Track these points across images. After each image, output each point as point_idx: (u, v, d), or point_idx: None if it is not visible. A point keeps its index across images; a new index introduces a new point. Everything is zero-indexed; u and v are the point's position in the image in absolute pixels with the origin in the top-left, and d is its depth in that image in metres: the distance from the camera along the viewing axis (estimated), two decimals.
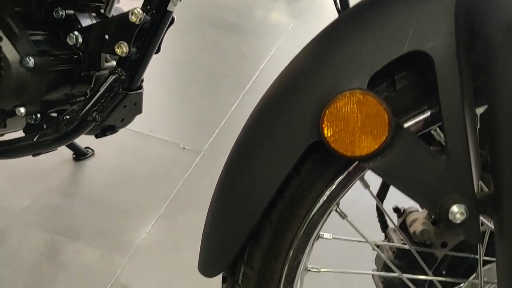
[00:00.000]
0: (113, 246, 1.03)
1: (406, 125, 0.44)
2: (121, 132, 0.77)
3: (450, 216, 0.39)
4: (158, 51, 0.63)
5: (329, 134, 0.41)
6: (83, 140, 1.22)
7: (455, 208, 0.39)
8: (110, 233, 1.06)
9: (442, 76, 0.39)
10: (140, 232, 1.09)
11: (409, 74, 0.43)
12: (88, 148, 1.31)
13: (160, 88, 1.73)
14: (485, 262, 0.58)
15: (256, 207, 0.46)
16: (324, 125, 0.41)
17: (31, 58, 0.55)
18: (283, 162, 0.44)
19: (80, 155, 1.27)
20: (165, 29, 0.60)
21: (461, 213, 0.39)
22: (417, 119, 0.44)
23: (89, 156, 1.30)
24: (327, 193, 0.47)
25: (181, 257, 1.04)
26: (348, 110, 0.41)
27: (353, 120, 0.41)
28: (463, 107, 0.39)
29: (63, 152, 1.23)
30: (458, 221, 0.39)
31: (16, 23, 0.55)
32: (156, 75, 1.72)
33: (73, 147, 1.24)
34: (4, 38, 0.53)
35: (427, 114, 0.44)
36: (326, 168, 0.46)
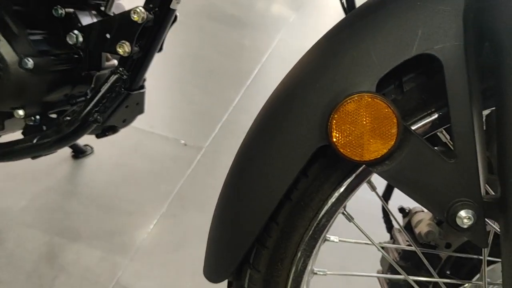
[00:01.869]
0: (114, 246, 1.02)
1: (413, 127, 0.43)
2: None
3: (458, 221, 0.39)
4: (160, 49, 0.62)
5: (337, 138, 0.40)
6: (82, 138, 1.21)
7: (462, 213, 0.39)
8: (111, 233, 1.05)
9: (451, 78, 0.39)
10: (142, 232, 1.08)
11: (416, 76, 0.43)
12: (87, 145, 1.30)
13: (160, 83, 1.72)
14: (489, 263, 0.58)
15: (264, 210, 0.45)
16: (332, 129, 0.40)
17: (30, 59, 0.53)
18: (291, 165, 0.43)
19: (79, 153, 1.27)
20: (168, 27, 0.59)
21: (469, 218, 0.39)
22: (424, 121, 0.44)
23: (89, 154, 1.29)
24: (335, 196, 0.47)
25: (183, 256, 1.04)
26: (356, 114, 0.40)
27: (362, 124, 0.40)
28: (472, 109, 0.39)
29: (62, 150, 1.21)
30: (466, 226, 0.39)
31: (14, 23, 0.54)
32: (155, 70, 1.70)
33: (72, 145, 1.23)
34: (2, 38, 0.52)
35: (435, 116, 0.44)
36: (333, 171, 0.46)
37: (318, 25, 2.84)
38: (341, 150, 0.40)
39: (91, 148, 1.30)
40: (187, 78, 1.84)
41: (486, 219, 0.40)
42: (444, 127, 0.44)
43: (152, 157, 1.34)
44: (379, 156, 0.40)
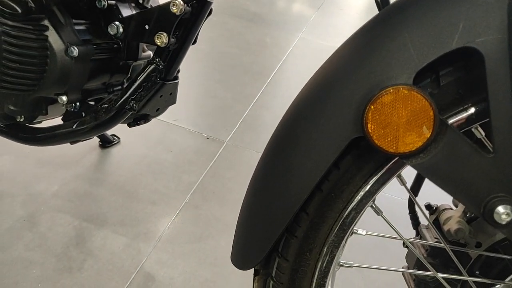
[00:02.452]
0: (138, 234, 1.05)
1: (449, 121, 0.43)
2: None
3: (496, 217, 0.38)
4: (195, 42, 0.63)
5: (372, 130, 0.41)
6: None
7: (501, 209, 0.38)
8: (135, 221, 1.08)
9: (492, 72, 0.38)
10: (165, 221, 1.10)
11: (454, 70, 0.43)
12: (114, 136, 1.34)
13: (184, 78, 1.73)
14: None
15: (295, 200, 0.46)
16: (368, 121, 0.40)
17: (75, 47, 0.56)
18: (324, 156, 0.44)
19: (106, 142, 1.30)
20: (204, 20, 0.60)
21: (507, 214, 0.39)
22: (460, 116, 0.44)
23: (115, 144, 1.32)
24: (365, 188, 0.47)
25: (204, 247, 1.06)
26: (393, 106, 0.40)
27: (398, 116, 0.40)
28: None
29: (90, 139, 1.25)
30: (504, 222, 0.39)
31: (61, 12, 0.56)
32: (181, 65, 1.73)
33: (100, 135, 1.26)
34: (50, 27, 0.54)
35: (471, 111, 0.43)
36: (365, 164, 0.46)
37: (339, 24, 2.82)
38: (376, 142, 0.41)
39: (118, 138, 1.33)
40: (211, 73, 1.86)
41: None
42: (479, 123, 0.44)
43: (176, 149, 1.37)
44: (414, 149, 0.40)
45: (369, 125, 0.41)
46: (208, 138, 1.45)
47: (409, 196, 0.69)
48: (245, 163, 1.36)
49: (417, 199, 0.75)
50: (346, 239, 0.52)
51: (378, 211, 0.53)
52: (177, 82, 0.65)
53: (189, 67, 1.86)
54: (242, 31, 2.30)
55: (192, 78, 1.81)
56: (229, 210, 1.18)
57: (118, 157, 1.28)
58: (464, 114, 0.43)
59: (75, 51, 0.56)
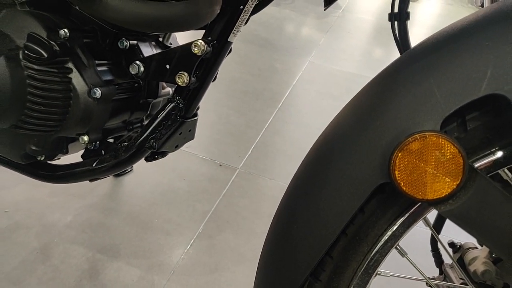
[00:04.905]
0: (152, 265, 1.04)
1: (476, 165, 0.43)
2: None
3: None
4: (214, 79, 0.64)
5: (400, 177, 0.40)
6: None
7: None
8: (149, 252, 1.07)
9: None
10: (179, 252, 1.09)
11: (481, 114, 0.42)
12: None
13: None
14: None
15: (321, 245, 0.45)
16: (395, 168, 0.40)
17: (98, 89, 0.56)
18: (350, 201, 0.43)
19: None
20: (224, 59, 0.61)
21: None
22: (487, 160, 0.43)
23: (128, 172, 1.33)
24: (390, 232, 0.47)
25: (220, 278, 1.04)
26: (421, 152, 0.40)
27: (426, 163, 0.40)
28: None
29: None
30: None
31: (84, 54, 0.57)
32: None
33: None
34: (74, 69, 0.55)
35: (499, 154, 0.43)
36: (390, 207, 0.46)
37: (348, 47, 2.84)
38: (404, 188, 0.40)
39: (131, 166, 1.34)
40: (223, 100, 1.87)
41: None
42: (507, 166, 0.43)
43: (189, 177, 1.36)
44: (442, 195, 0.40)
45: (396, 172, 0.40)
46: (221, 165, 1.45)
47: (432, 234, 0.67)
48: (258, 191, 1.36)
49: (441, 233, 0.74)
50: (371, 281, 0.51)
51: (402, 253, 0.52)
52: (196, 119, 0.65)
53: None
54: (253, 57, 2.33)
55: (204, 104, 1.82)
56: (243, 240, 1.16)
57: (132, 186, 1.28)
58: (492, 158, 0.43)
59: (98, 92, 0.56)
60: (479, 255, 0.58)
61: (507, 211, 0.39)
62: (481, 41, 0.40)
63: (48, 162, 0.66)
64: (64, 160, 0.70)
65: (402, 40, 0.65)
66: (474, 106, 0.42)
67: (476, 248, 0.61)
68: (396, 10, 0.66)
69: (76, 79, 0.55)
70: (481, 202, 0.40)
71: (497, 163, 0.43)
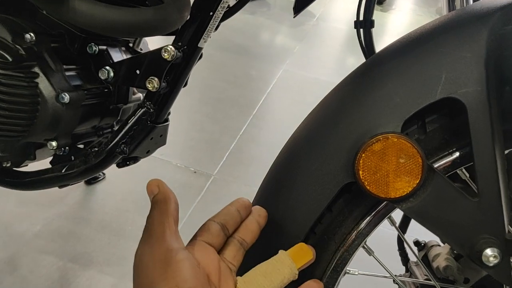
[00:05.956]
0: (126, 273, 1.02)
1: (435, 165, 0.45)
2: None
3: (484, 259, 0.39)
4: (185, 84, 0.65)
5: (364, 177, 0.42)
6: None
7: (488, 252, 0.40)
8: (123, 260, 1.05)
9: (474, 121, 0.41)
10: None
11: (439, 117, 0.45)
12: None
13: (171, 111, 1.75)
14: None
15: (291, 243, 0.46)
16: (359, 168, 0.42)
17: (66, 94, 0.56)
18: (317, 201, 0.45)
19: (92, 179, 1.28)
20: (195, 64, 0.61)
21: (494, 256, 0.40)
22: (445, 160, 0.45)
23: (100, 180, 1.30)
24: (357, 230, 0.48)
25: None
26: (383, 153, 0.42)
27: (388, 163, 0.42)
28: (494, 150, 0.41)
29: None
30: (491, 264, 0.40)
31: (52, 59, 0.56)
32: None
33: None
34: (41, 74, 0.55)
35: (456, 155, 0.45)
36: (357, 206, 0.47)
37: (322, 55, 2.90)
38: (368, 188, 0.42)
39: (103, 174, 1.32)
40: (196, 106, 1.87)
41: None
42: (464, 166, 0.46)
43: None
44: (404, 194, 0.42)
45: (360, 172, 0.42)
46: (195, 172, 1.45)
47: (398, 234, 0.70)
48: (233, 197, 1.34)
49: (406, 233, 0.76)
50: (340, 280, 0.52)
51: (369, 252, 0.54)
52: (168, 124, 0.65)
53: (176, 100, 1.87)
54: (228, 64, 2.34)
55: (178, 111, 1.82)
56: None
57: (104, 194, 1.26)
58: (450, 158, 0.45)
59: (66, 97, 0.56)
60: (441, 252, 0.60)
61: (461, 207, 0.41)
62: (436, 47, 0.43)
63: (14, 168, 0.64)
64: (32, 166, 0.69)
65: (367, 46, 0.68)
66: (433, 109, 0.44)
67: (439, 245, 0.64)
68: (361, 18, 0.69)
69: (43, 83, 0.54)
70: (438, 199, 0.42)
71: (455, 163, 0.45)
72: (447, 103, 0.43)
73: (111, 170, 1.32)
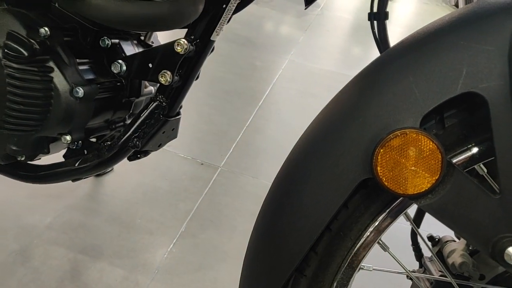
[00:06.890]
0: (136, 265, 1.03)
1: (453, 161, 0.44)
2: None
3: (506, 257, 0.39)
4: (197, 78, 0.64)
5: (382, 173, 0.41)
6: None
7: (511, 250, 0.39)
8: (133, 252, 1.06)
9: (496, 116, 0.40)
10: (162, 251, 1.09)
11: (458, 112, 0.44)
12: None
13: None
14: None
15: (306, 240, 0.46)
16: (377, 164, 0.41)
17: (80, 88, 0.56)
18: (334, 197, 0.44)
19: None
20: (207, 57, 0.61)
21: None
22: (464, 156, 0.45)
23: (109, 172, 1.31)
24: (373, 226, 0.48)
25: (203, 277, 1.04)
26: (401, 148, 0.41)
27: (406, 158, 0.41)
28: None
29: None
30: None
31: (66, 53, 0.56)
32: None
33: None
34: (55, 68, 0.54)
35: (474, 150, 0.44)
36: (373, 203, 0.47)
37: (326, 45, 2.88)
38: (386, 184, 0.42)
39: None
40: (204, 98, 1.87)
41: None
42: (482, 162, 0.45)
43: (171, 176, 1.36)
44: (422, 190, 0.41)
45: (378, 168, 0.41)
46: (202, 164, 1.45)
47: (412, 228, 0.70)
48: (240, 189, 1.36)
49: (420, 227, 0.76)
50: (354, 275, 0.52)
51: (385, 247, 0.53)
52: (179, 118, 0.65)
53: None
54: (234, 55, 2.33)
55: (185, 103, 1.81)
56: (226, 238, 1.17)
57: (113, 186, 1.27)
58: (468, 154, 0.44)
59: (80, 91, 0.56)
60: (457, 248, 0.60)
61: (482, 204, 0.41)
62: (456, 40, 0.42)
63: (28, 162, 0.64)
64: (45, 160, 0.69)
65: (381, 39, 0.67)
66: (452, 104, 0.43)
67: (454, 241, 0.64)
68: (375, 10, 0.68)
69: (58, 78, 0.54)
70: (458, 196, 0.41)
71: (473, 159, 0.45)
72: (465, 98, 0.42)
73: (120, 163, 1.33)
